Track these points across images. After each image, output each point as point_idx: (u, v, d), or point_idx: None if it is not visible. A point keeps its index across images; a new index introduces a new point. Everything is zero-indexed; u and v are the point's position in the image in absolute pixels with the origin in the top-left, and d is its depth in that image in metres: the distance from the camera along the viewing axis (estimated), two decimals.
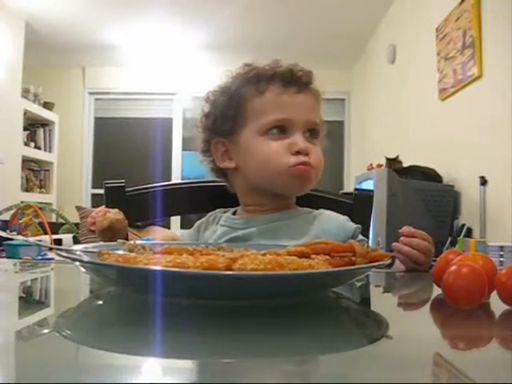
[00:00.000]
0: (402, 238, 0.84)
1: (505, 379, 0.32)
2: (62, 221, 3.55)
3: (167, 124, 6.05)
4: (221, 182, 1.06)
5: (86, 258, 0.54)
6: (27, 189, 5.07)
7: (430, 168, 2.92)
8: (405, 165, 3.18)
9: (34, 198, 4.76)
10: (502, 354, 0.40)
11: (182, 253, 0.53)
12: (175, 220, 5.29)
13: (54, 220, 3.93)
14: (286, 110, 0.93)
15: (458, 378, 0.34)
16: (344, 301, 0.59)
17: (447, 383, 0.33)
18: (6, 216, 2.99)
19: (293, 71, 0.95)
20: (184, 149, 6.01)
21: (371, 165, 3.73)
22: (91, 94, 6.06)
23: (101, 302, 0.57)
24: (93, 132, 6.13)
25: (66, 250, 0.59)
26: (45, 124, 5.36)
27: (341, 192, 1.26)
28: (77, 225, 3.42)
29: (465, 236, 2.50)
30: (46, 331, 0.43)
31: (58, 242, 2.55)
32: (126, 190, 1.11)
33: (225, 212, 1.03)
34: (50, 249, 1.83)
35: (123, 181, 1.11)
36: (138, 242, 0.63)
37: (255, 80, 0.95)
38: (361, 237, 0.95)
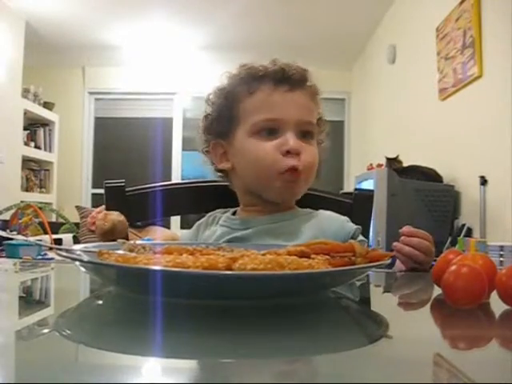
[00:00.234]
0: (402, 238, 0.84)
1: (505, 379, 0.32)
2: (62, 221, 3.55)
3: (167, 124, 6.05)
4: (221, 181, 1.06)
5: (85, 258, 0.54)
6: (27, 188, 5.07)
7: (430, 168, 2.92)
8: (405, 165, 3.18)
9: (34, 197, 4.76)
10: (502, 354, 0.40)
11: (181, 253, 0.53)
12: (175, 220, 5.30)
13: (53, 220, 3.93)
14: (276, 109, 0.92)
15: (458, 378, 0.34)
16: (344, 301, 0.59)
17: (447, 383, 0.33)
18: (6, 216, 2.99)
19: (284, 70, 0.93)
20: (184, 149, 6.01)
21: (371, 165, 3.73)
22: (91, 93, 6.06)
23: (101, 302, 0.57)
24: (93, 132, 6.13)
25: (66, 250, 0.59)
26: (45, 124, 5.36)
27: (341, 192, 1.26)
28: (77, 225, 3.42)
29: (465, 236, 2.50)
30: (45, 331, 0.43)
31: (58, 241, 2.55)
32: (126, 190, 1.11)
33: (224, 212, 1.03)
34: (50, 249, 1.83)
35: (123, 181, 1.11)
36: (138, 241, 0.63)
37: (247, 80, 0.95)
38: (361, 237, 0.95)
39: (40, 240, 2.30)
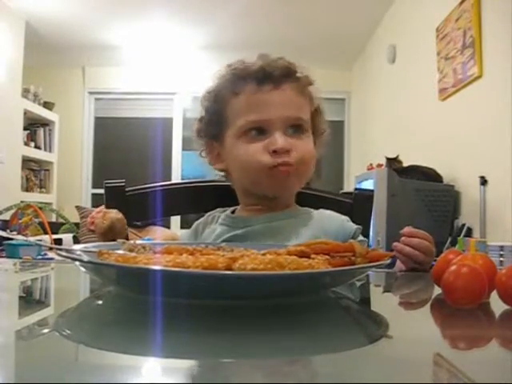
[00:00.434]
0: (402, 238, 0.84)
1: (505, 379, 0.32)
2: (62, 221, 3.55)
3: (167, 124, 6.05)
4: (220, 181, 1.06)
5: (85, 258, 0.54)
6: (27, 189, 5.07)
7: (430, 168, 2.92)
8: (405, 165, 3.18)
9: (34, 197, 4.76)
10: (502, 354, 0.40)
11: (181, 252, 0.53)
12: (175, 220, 5.30)
13: (54, 220, 3.93)
14: (261, 109, 0.91)
15: (458, 378, 0.34)
16: (344, 301, 0.59)
17: (447, 383, 0.33)
18: (6, 216, 2.99)
19: (264, 68, 0.92)
20: (184, 149, 6.01)
21: (371, 165, 3.73)
22: (91, 93, 6.06)
23: (101, 302, 0.57)
24: (93, 132, 6.13)
25: (66, 250, 0.59)
26: (45, 124, 5.36)
27: (341, 192, 1.26)
28: (77, 225, 3.43)
29: (465, 236, 2.50)
30: (45, 331, 0.43)
31: (58, 241, 2.55)
32: (126, 189, 1.11)
33: (224, 211, 1.03)
34: (50, 249, 1.83)
35: (123, 181, 1.11)
36: (138, 241, 0.63)
37: (232, 82, 0.95)
38: (361, 237, 0.95)
39: (40, 240, 2.30)
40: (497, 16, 2.45)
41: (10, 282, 0.73)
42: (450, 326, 0.49)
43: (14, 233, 2.53)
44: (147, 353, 0.36)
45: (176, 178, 5.91)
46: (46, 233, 2.44)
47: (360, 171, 3.55)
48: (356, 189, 1.17)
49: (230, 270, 0.46)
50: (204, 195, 1.13)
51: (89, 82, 6.01)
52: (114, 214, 0.90)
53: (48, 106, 5.40)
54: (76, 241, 3.07)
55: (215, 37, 5.01)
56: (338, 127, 5.75)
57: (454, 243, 2.46)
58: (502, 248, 1.92)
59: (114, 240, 0.75)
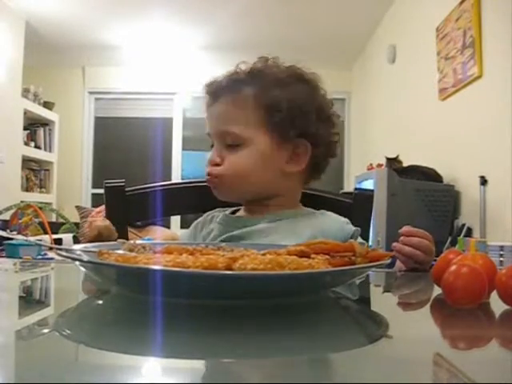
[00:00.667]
0: (401, 238, 0.83)
1: (505, 379, 0.32)
2: (62, 221, 3.55)
3: (167, 124, 6.05)
4: None
5: (85, 258, 0.54)
6: (27, 188, 5.07)
7: (430, 168, 2.92)
8: (405, 165, 3.18)
9: (34, 197, 4.76)
10: (502, 354, 0.40)
11: (181, 252, 0.53)
12: (175, 220, 5.30)
13: (53, 220, 3.93)
14: (208, 123, 0.98)
15: (458, 378, 0.34)
16: (344, 301, 0.59)
17: (447, 383, 0.33)
18: (6, 216, 2.99)
19: (211, 83, 0.98)
20: (184, 149, 6.01)
21: (371, 165, 3.73)
22: (91, 93, 6.06)
23: (101, 302, 0.57)
24: (93, 132, 6.13)
25: (66, 250, 0.59)
26: (45, 124, 5.36)
27: (341, 192, 1.26)
28: (77, 224, 3.43)
29: (465, 236, 2.50)
30: (45, 331, 0.43)
31: (58, 241, 2.54)
32: (126, 189, 1.11)
33: (223, 211, 1.03)
34: (50, 248, 1.83)
35: (123, 181, 1.11)
36: (138, 241, 0.63)
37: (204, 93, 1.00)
38: (360, 239, 0.95)
39: (40, 240, 2.30)
40: (497, 16, 2.45)
41: (10, 282, 0.73)
42: (450, 326, 0.49)
43: (14, 233, 2.53)
44: (147, 353, 0.36)
45: (176, 178, 5.91)
46: (45, 233, 2.44)
47: (360, 171, 3.55)
48: (356, 189, 1.17)
49: (230, 269, 0.46)
50: (204, 195, 1.13)
51: (89, 81, 6.01)
52: (100, 221, 0.91)
53: (48, 105, 5.40)
54: (76, 241, 3.07)
55: (215, 37, 5.01)
56: (338, 127, 5.73)
57: (453, 243, 2.46)
58: (502, 248, 1.92)
59: None
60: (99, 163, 6.08)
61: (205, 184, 1.14)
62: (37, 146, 5.20)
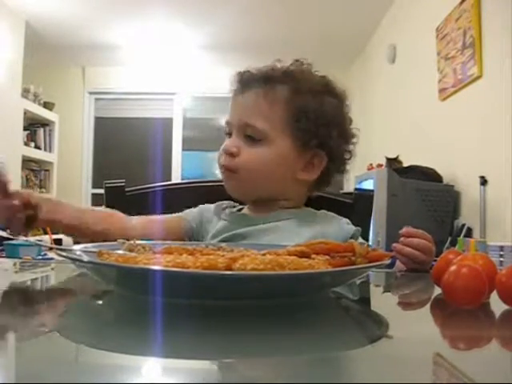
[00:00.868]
0: (401, 239, 0.83)
1: (505, 379, 0.32)
2: None
3: (167, 124, 6.05)
4: (220, 181, 1.06)
5: (85, 258, 0.54)
6: (27, 189, 5.07)
7: (430, 168, 2.92)
8: (405, 165, 3.18)
9: None
10: (502, 354, 0.40)
11: (181, 253, 0.53)
12: None
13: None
14: (230, 111, 0.97)
15: (458, 378, 0.34)
16: (344, 301, 0.59)
17: (447, 383, 0.33)
18: None
19: (242, 72, 0.96)
20: (184, 149, 6.01)
21: (371, 165, 3.73)
22: (91, 93, 6.06)
23: (101, 302, 0.57)
24: (93, 132, 6.13)
25: (66, 250, 0.59)
26: (45, 124, 5.36)
27: (341, 192, 1.26)
28: None
29: (465, 236, 2.50)
30: (45, 331, 0.43)
31: (58, 241, 2.54)
32: (126, 190, 1.11)
33: (231, 206, 1.03)
34: (50, 249, 1.83)
35: (123, 181, 1.11)
36: (138, 242, 0.63)
37: (232, 82, 0.99)
38: (360, 239, 0.95)
39: (40, 240, 2.30)
40: (497, 16, 2.45)
41: (10, 282, 0.73)
42: (449, 326, 0.49)
43: None
44: (147, 353, 0.36)
45: (176, 178, 5.91)
46: (45, 233, 2.44)
47: (360, 171, 3.54)
48: (356, 189, 1.17)
49: (230, 270, 0.46)
50: (204, 195, 1.13)
51: (89, 82, 6.01)
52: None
53: (48, 106, 5.40)
54: (76, 241, 3.07)
55: (215, 37, 5.01)
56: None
57: (453, 243, 2.46)
58: (501, 248, 1.92)
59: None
60: (99, 163, 6.08)
61: (205, 184, 1.14)
62: (37, 147, 5.19)
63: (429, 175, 2.87)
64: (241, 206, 1.03)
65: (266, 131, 0.92)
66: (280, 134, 0.92)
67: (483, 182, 2.47)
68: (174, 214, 1.03)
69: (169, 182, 1.21)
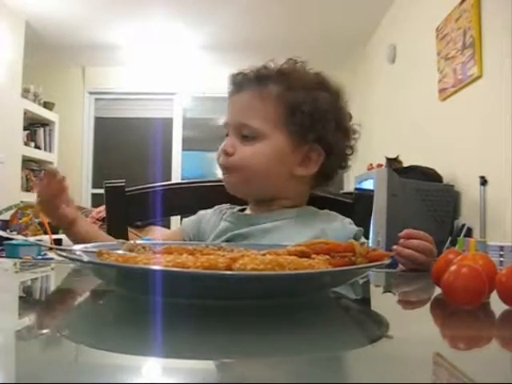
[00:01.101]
0: (401, 241, 0.83)
1: (505, 379, 0.32)
2: None
3: (167, 124, 6.05)
4: (220, 181, 1.06)
5: (85, 258, 0.54)
6: (27, 189, 5.06)
7: (430, 168, 2.92)
8: (405, 165, 3.18)
9: (34, 198, 4.75)
10: (502, 354, 0.40)
11: (182, 253, 0.53)
12: (175, 220, 5.29)
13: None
14: (228, 112, 0.98)
15: (458, 378, 0.34)
16: (344, 301, 0.59)
17: (447, 383, 0.33)
18: (6, 216, 2.99)
19: (236, 74, 0.98)
20: (184, 149, 6.01)
21: (371, 165, 3.73)
22: (91, 93, 6.06)
23: (101, 302, 0.57)
24: (93, 132, 6.13)
25: (66, 250, 0.59)
26: (45, 124, 5.36)
27: (341, 192, 1.25)
28: None
29: (465, 236, 2.50)
30: (45, 331, 0.43)
31: (58, 241, 2.55)
32: (126, 189, 1.11)
33: (231, 208, 1.03)
34: (50, 249, 1.83)
35: (123, 181, 1.11)
36: (138, 241, 0.63)
37: (228, 83, 1.00)
38: (363, 239, 0.95)
39: (40, 240, 2.30)
40: (497, 16, 2.45)
41: (10, 282, 0.73)
42: (449, 326, 0.49)
43: (14, 233, 2.53)
44: (147, 353, 0.36)
45: (176, 178, 5.91)
46: (45, 233, 2.44)
47: (360, 171, 3.54)
48: (356, 189, 1.17)
49: (230, 270, 0.46)
50: (204, 195, 1.13)
51: (89, 82, 6.01)
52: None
53: (48, 106, 5.40)
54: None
55: (215, 37, 5.01)
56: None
57: (453, 243, 2.46)
58: (501, 248, 1.92)
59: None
60: (99, 163, 6.07)
61: (205, 184, 1.14)
62: (37, 147, 5.19)
63: (429, 175, 2.87)
64: (241, 207, 1.03)
65: (259, 129, 0.93)
66: (274, 131, 0.93)
67: (483, 182, 2.47)
68: (174, 230, 1.06)
69: (169, 182, 1.21)
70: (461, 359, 0.37)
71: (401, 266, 0.86)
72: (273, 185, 0.96)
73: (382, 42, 4.45)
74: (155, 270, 0.44)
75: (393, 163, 3.22)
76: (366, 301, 0.63)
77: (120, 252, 0.56)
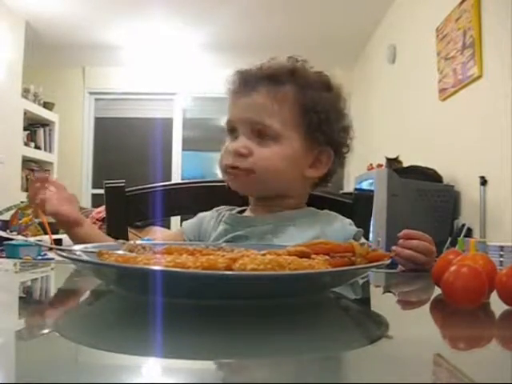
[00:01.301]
0: (400, 241, 0.83)
1: (505, 379, 0.32)
2: None
3: (167, 124, 6.05)
4: (220, 181, 1.06)
5: (85, 258, 0.54)
6: (27, 189, 5.06)
7: (429, 168, 2.92)
8: (405, 165, 3.18)
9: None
10: (502, 354, 0.40)
11: (182, 253, 0.53)
12: (175, 220, 5.29)
13: (54, 220, 3.92)
14: (232, 110, 0.96)
15: (458, 378, 0.34)
16: (344, 301, 0.59)
17: (447, 383, 0.33)
18: (6, 216, 2.99)
19: (244, 70, 0.95)
20: (184, 149, 6.01)
21: (371, 165, 3.73)
22: (91, 93, 6.06)
23: (101, 302, 0.57)
24: (93, 132, 6.13)
25: (66, 250, 0.59)
26: (45, 124, 5.36)
27: (341, 192, 1.26)
28: None
29: (465, 236, 2.50)
30: (45, 331, 0.43)
31: (58, 242, 2.55)
32: (126, 189, 1.11)
33: (230, 209, 1.03)
34: (50, 249, 1.83)
35: (123, 181, 1.11)
36: (138, 241, 0.63)
37: (230, 81, 0.98)
38: (363, 240, 0.95)
39: (40, 240, 2.30)
40: (497, 16, 2.45)
41: (10, 282, 0.73)
42: (450, 326, 0.49)
43: (14, 233, 2.53)
44: (147, 353, 0.36)
45: (176, 178, 5.90)
46: (45, 233, 2.44)
47: (360, 171, 3.54)
48: (356, 189, 1.17)
49: (230, 270, 0.46)
50: (204, 195, 1.13)
51: (89, 82, 6.01)
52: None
53: (48, 106, 5.40)
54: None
55: (215, 37, 5.01)
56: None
57: (453, 243, 2.46)
58: (501, 248, 1.92)
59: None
60: (99, 163, 6.07)
61: (205, 184, 1.14)
62: (37, 147, 5.19)
63: (429, 175, 2.87)
64: (240, 209, 1.03)
65: (278, 130, 0.92)
66: (290, 133, 0.93)
67: (483, 182, 2.47)
68: (174, 231, 1.04)
69: (169, 182, 1.21)
70: (461, 359, 0.37)
71: (400, 267, 0.86)
72: (284, 186, 0.96)
73: (382, 42, 4.45)
74: (155, 270, 0.44)
75: (393, 163, 3.22)
76: (365, 301, 0.63)
77: (120, 252, 0.56)
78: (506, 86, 2.26)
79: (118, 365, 0.34)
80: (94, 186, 5.99)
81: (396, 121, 4.08)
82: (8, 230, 2.50)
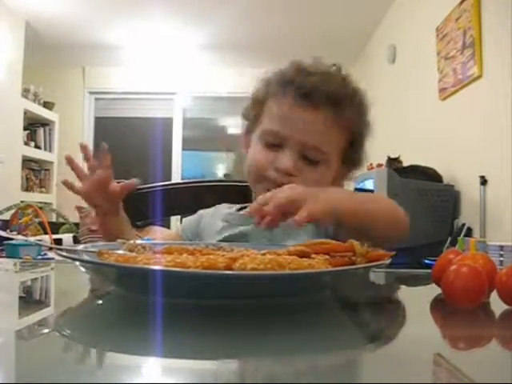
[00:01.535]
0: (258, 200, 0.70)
1: (505, 379, 0.32)
2: (62, 221, 3.54)
3: (167, 124, 6.05)
4: (220, 181, 1.06)
5: (86, 258, 0.54)
6: (27, 188, 5.06)
7: (429, 168, 2.91)
8: (405, 165, 3.18)
9: (34, 197, 4.76)
10: (502, 354, 0.40)
11: (182, 252, 0.53)
12: (175, 220, 5.29)
13: (54, 220, 3.92)
14: (285, 124, 0.89)
15: (458, 378, 0.33)
16: (344, 301, 0.59)
17: (447, 383, 0.33)
18: (6, 216, 2.98)
19: (312, 84, 0.87)
20: (184, 149, 6.01)
21: (371, 165, 3.73)
22: (91, 93, 6.06)
23: (101, 302, 0.57)
24: (93, 132, 6.13)
25: (66, 250, 0.59)
26: (45, 124, 5.36)
27: None
28: (77, 225, 3.42)
29: (465, 236, 2.50)
30: (45, 331, 0.43)
31: (58, 241, 2.54)
32: None
33: (230, 207, 1.03)
34: (50, 249, 1.83)
35: (123, 180, 1.11)
36: (138, 241, 0.63)
37: (278, 82, 0.93)
38: None
39: (40, 240, 2.30)
40: (497, 16, 2.45)
41: (10, 282, 0.73)
42: (450, 326, 0.49)
43: (14, 233, 2.53)
44: (147, 353, 0.36)
45: (176, 177, 5.90)
46: (45, 233, 2.44)
47: (360, 171, 3.54)
48: (356, 189, 1.18)
49: (230, 269, 0.46)
50: (204, 195, 1.13)
51: (89, 82, 6.01)
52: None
53: (48, 105, 5.40)
54: (76, 241, 3.07)
55: (215, 37, 5.01)
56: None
57: (453, 243, 2.46)
58: (502, 248, 1.92)
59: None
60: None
61: (205, 184, 1.14)
62: (37, 146, 5.19)
63: (429, 175, 2.86)
64: (239, 206, 1.03)
65: (327, 154, 0.90)
66: (335, 158, 0.93)
67: (483, 181, 2.47)
68: (174, 230, 1.04)
69: (169, 182, 1.21)
70: (461, 359, 0.37)
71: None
72: None
73: (382, 42, 4.45)
74: (155, 270, 0.44)
75: (393, 163, 3.22)
76: (365, 301, 0.63)
77: (120, 252, 0.56)
78: (506, 85, 2.26)
79: (118, 365, 0.34)
80: None
81: (396, 121, 4.07)
82: (8, 230, 2.50)
